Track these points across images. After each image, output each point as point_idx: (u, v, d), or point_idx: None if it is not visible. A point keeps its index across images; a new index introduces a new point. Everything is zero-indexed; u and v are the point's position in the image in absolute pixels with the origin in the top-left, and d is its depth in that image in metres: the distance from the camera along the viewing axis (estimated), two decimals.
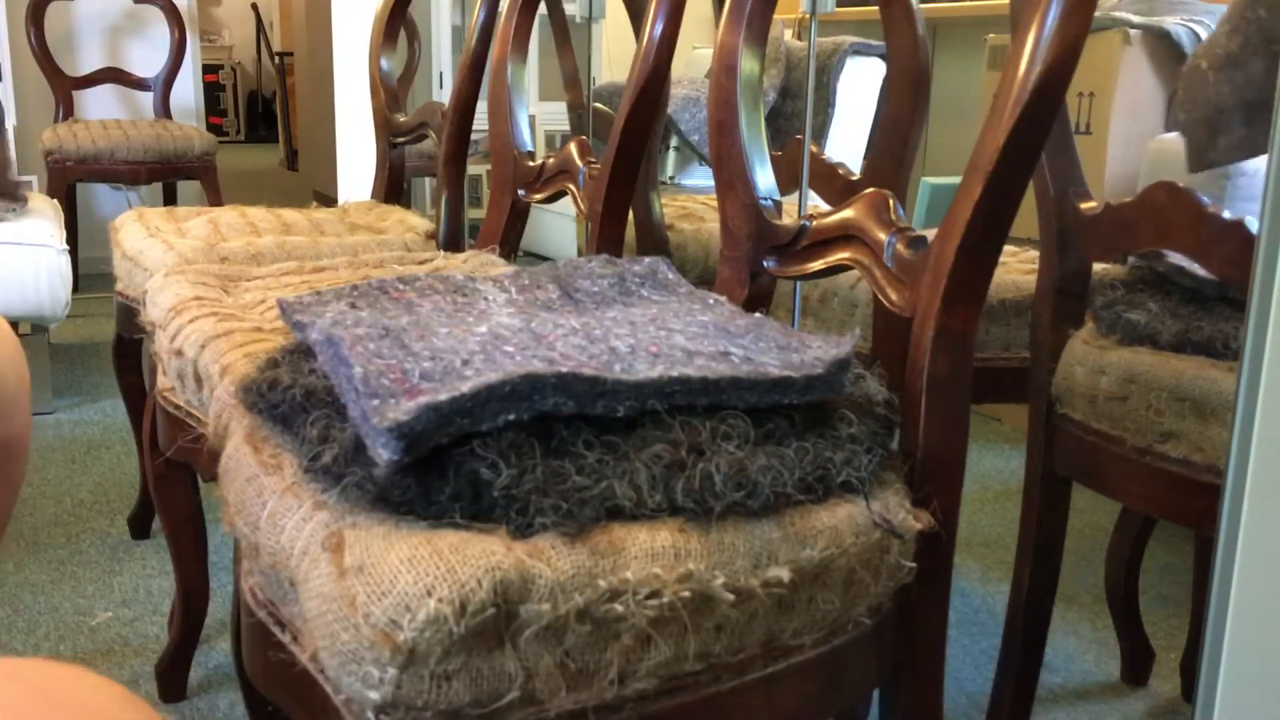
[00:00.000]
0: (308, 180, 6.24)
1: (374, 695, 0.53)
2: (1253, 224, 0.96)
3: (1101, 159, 2.21)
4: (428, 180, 3.80)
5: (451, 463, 0.57)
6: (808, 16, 1.40)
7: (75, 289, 2.61)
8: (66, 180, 3.12)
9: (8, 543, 1.76)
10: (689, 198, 2.09)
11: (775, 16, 1.03)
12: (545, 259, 2.20)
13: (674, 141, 2.95)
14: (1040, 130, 0.70)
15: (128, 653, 1.46)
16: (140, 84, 3.61)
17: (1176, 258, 1.10)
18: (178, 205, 3.19)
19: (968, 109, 2.97)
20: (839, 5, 3.22)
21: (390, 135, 1.97)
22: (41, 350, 2.38)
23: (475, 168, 3.61)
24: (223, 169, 3.38)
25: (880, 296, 0.79)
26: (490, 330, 0.68)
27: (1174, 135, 2.01)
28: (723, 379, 0.64)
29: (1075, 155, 1.19)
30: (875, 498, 0.68)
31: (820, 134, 2.70)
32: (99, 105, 3.73)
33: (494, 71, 1.46)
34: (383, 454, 0.55)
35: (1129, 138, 2.19)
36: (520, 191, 1.45)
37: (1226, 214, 1.00)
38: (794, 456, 0.64)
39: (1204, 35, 2.17)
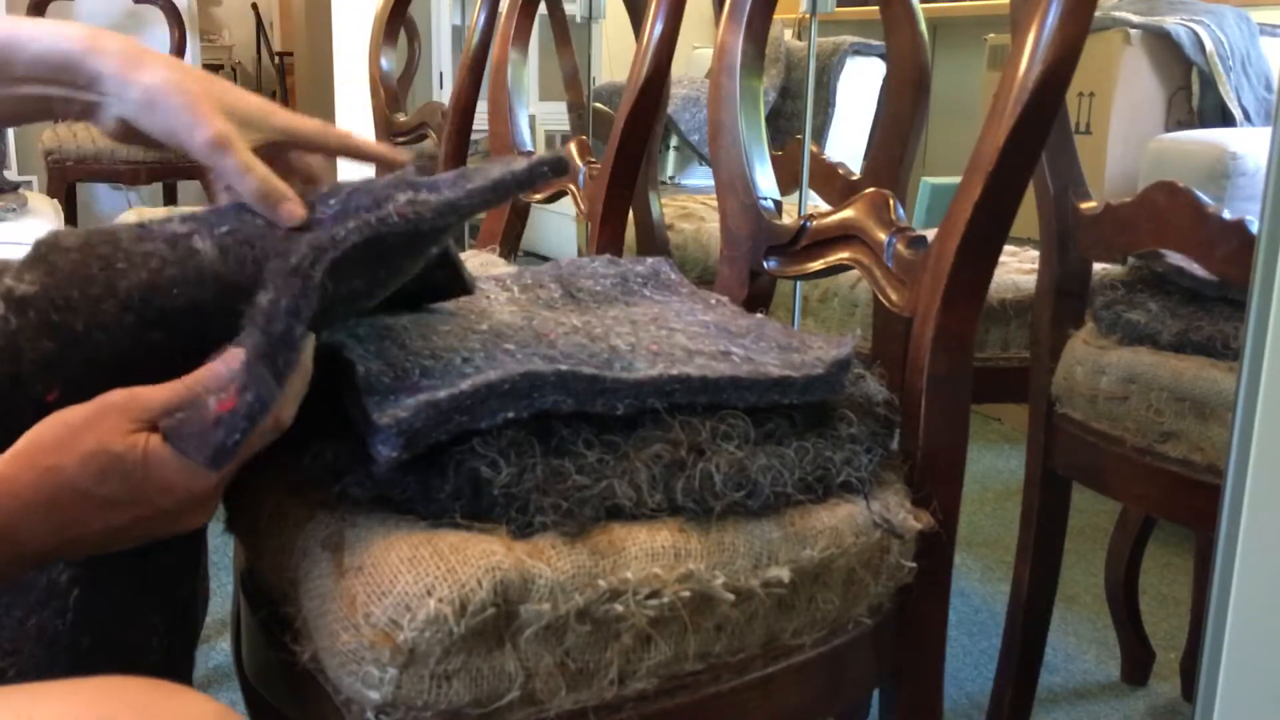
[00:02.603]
0: None
1: (374, 695, 0.53)
2: (1253, 224, 0.96)
3: (1101, 159, 2.20)
4: None
5: (451, 461, 0.57)
6: (808, 16, 1.40)
7: None
8: (66, 180, 3.11)
9: None
10: (689, 198, 2.09)
11: (775, 16, 1.03)
12: (545, 259, 2.20)
13: (674, 141, 2.95)
14: (1040, 130, 0.70)
15: None
16: None
17: (1176, 258, 1.10)
18: (178, 205, 3.19)
19: (968, 109, 2.97)
20: (839, 5, 3.22)
21: (390, 135, 1.97)
22: None
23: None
24: None
25: (880, 296, 0.79)
26: (491, 328, 0.68)
27: (1174, 135, 2.01)
28: (722, 378, 0.64)
29: (1075, 155, 1.18)
30: (875, 498, 0.68)
31: (820, 134, 2.70)
32: None
33: (494, 71, 1.46)
34: (382, 450, 0.55)
35: (1129, 138, 2.19)
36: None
37: (1226, 214, 1.00)
38: (794, 456, 0.64)
39: (1204, 35, 2.17)
